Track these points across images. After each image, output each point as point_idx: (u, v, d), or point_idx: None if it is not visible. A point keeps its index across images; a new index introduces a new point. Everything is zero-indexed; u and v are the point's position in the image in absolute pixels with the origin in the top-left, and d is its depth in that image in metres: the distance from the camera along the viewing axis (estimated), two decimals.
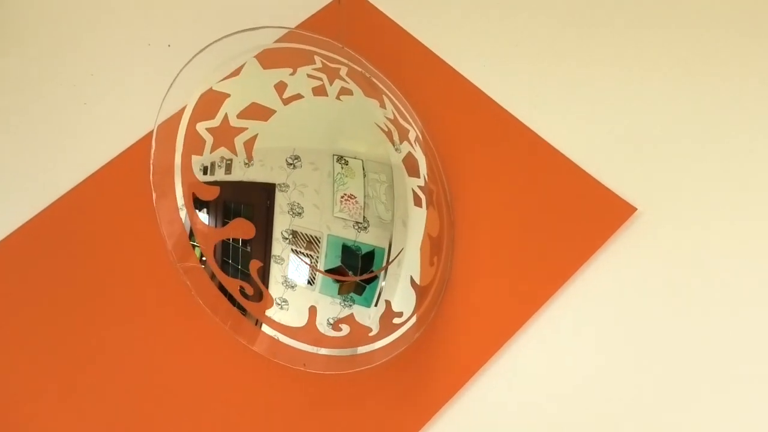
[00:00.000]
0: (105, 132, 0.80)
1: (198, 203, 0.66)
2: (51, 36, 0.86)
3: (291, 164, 0.67)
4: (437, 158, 0.77)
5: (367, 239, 0.68)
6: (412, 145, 0.75)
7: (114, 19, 0.87)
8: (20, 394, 0.69)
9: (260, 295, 0.66)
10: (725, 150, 0.78)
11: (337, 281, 0.67)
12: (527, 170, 0.78)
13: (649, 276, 0.73)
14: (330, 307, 0.67)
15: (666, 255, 0.73)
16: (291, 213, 0.66)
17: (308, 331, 0.67)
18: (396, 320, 0.68)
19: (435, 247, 0.72)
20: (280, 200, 0.66)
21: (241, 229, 0.66)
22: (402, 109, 0.77)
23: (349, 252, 0.67)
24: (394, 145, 0.73)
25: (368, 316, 0.68)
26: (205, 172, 0.66)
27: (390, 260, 0.69)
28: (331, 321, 0.66)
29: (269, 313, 0.66)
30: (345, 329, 0.67)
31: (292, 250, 0.66)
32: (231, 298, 0.66)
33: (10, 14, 0.88)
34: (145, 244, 0.73)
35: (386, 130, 0.74)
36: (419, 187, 0.73)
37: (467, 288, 0.73)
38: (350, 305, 0.67)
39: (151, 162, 0.67)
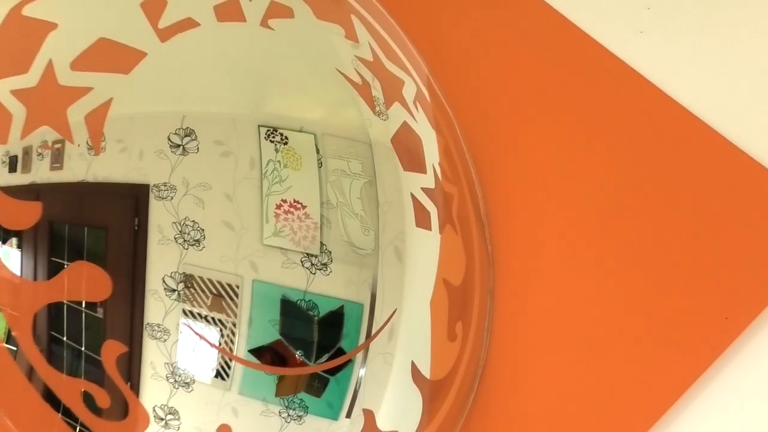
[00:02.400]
0: None
1: (2, 233, 0.49)
2: None
3: (179, 146, 0.49)
4: (459, 133, 0.59)
5: (330, 288, 0.49)
6: (409, 110, 0.56)
7: None
8: None
9: (123, 408, 0.48)
10: None
11: (273, 373, 0.49)
12: (636, 147, 0.59)
13: None
14: (261, 422, 0.49)
15: None
16: (180, 241, 0.48)
17: None
18: None
19: (458, 305, 0.54)
20: (159, 216, 0.48)
21: (87, 280, 0.48)
22: (389, 41, 0.60)
23: (294, 313, 0.49)
24: (374, 110, 0.55)
25: None
26: (12, 169, 0.48)
27: (377, 328, 0.51)
28: None
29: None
30: None
31: (184, 311, 0.48)
32: (66, 413, 0.48)
33: None
34: None
35: (358, 81, 0.55)
36: (425, 190, 0.55)
37: (525, 385, 0.55)
38: (300, 416, 0.49)
39: None
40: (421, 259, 0.54)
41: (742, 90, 0.64)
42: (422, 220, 0.54)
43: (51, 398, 0.48)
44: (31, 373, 0.48)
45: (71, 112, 0.49)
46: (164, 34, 0.52)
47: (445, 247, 0.55)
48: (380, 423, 0.50)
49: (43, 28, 0.51)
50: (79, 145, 0.49)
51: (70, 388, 0.48)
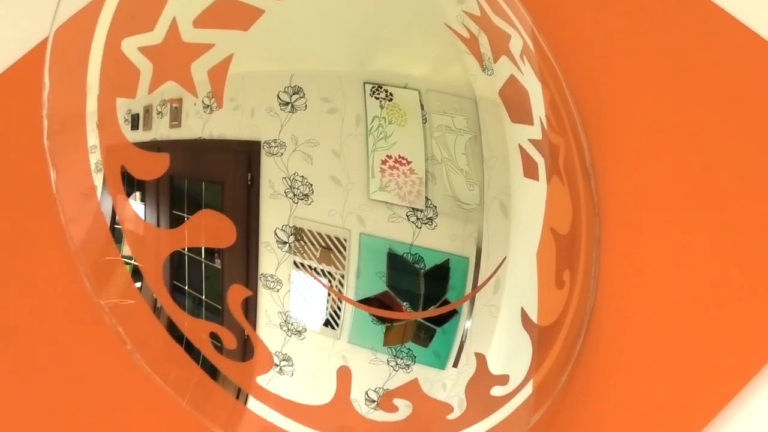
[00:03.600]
0: None
1: (131, 184, 0.50)
2: None
3: (287, 104, 0.50)
4: (564, 85, 0.61)
5: (435, 242, 0.50)
6: (516, 63, 0.57)
7: None
8: None
9: (247, 349, 0.50)
10: None
11: (382, 321, 0.50)
12: (744, 115, 0.59)
13: None
14: (370, 369, 0.50)
15: None
16: (291, 195, 0.49)
17: (334, 412, 0.51)
18: (497, 391, 0.52)
19: (565, 253, 0.56)
20: (270, 172, 0.49)
21: (213, 229, 0.49)
22: None
23: (401, 266, 0.50)
24: (482, 64, 0.55)
25: (444, 383, 0.52)
26: (134, 126, 0.49)
27: (483, 281, 0.52)
28: (375, 395, 0.51)
29: (263, 380, 0.50)
30: (404, 408, 0.51)
31: (295, 263, 0.49)
32: (192, 352, 0.50)
33: None
34: (37, 259, 0.60)
35: (466, 35, 0.56)
36: (532, 141, 0.56)
37: (631, 331, 0.55)
38: (408, 365, 0.50)
39: (45, 113, 0.50)
40: (529, 210, 0.55)
41: None
42: (530, 170, 0.55)
43: (179, 339, 0.50)
44: (159, 315, 0.50)
45: (195, 68, 0.51)
46: None
47: (553, 197, 0.55)
48: (492, 367, 0.52)
49: None
50: (195, 104, 0.50)
51: (198, 330, 0.50)
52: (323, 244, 0.50)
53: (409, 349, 0.51)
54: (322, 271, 0.49)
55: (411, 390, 0.51)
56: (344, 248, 0.50)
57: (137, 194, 0.50)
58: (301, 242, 0.49)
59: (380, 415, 0.51)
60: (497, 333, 0.53)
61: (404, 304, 0.51)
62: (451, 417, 0.52)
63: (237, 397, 0.51)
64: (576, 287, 0.56)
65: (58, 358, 0.59)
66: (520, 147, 0.55)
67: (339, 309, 0.50)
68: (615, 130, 0.60)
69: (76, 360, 0.59)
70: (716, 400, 0.55)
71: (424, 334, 0.51)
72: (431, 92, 0.53)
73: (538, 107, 0.57)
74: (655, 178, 0.59)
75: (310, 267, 0.49)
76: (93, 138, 0.51)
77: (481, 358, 0.52)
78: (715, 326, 0.56)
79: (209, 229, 0.50)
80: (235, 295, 0.49)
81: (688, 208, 0.58)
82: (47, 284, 0.60)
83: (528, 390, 0.53)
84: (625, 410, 0.55)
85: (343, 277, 0.50)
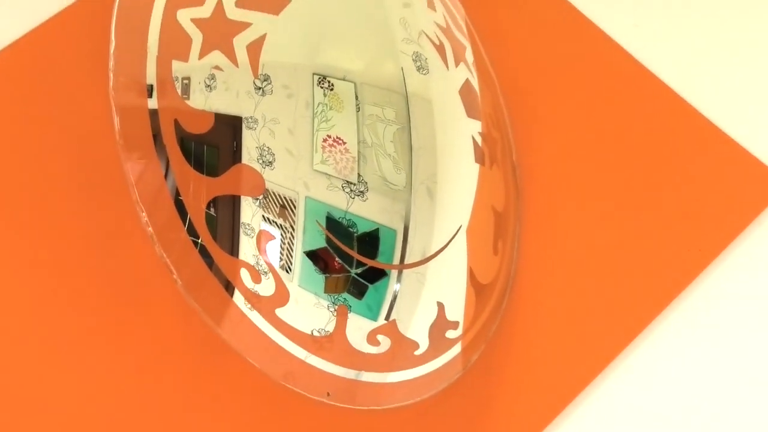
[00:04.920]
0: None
1: (182, 138, 0.58)
2: None
3: (259, 88, 0.58)
4: (500, 94, 0.68)
5: (367, 211, 0.57)
6: (470, 71, 0.65)
7: None
8: None
9: (269, 287, 0.57)
10: None
11: (322, 272, 0.57)
12: (638, 123, 0.71)
13: None
14: (313, 311, 0.57)
15: None
16: (261, 161, 0.57)
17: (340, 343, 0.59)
18: (450, 334, 0.60)
19: (500, 226, 0.64)
20: (248, 141, 0.57)
21: (246, 182, 0.57)
22: (456, 16, 0.68)
23: (338, 228, 0.57)
24: (447, 65, 0.63)
25: (415, 326, 0.59)
26: (184, 90, 0.57)
27: (409, 257, 0.59)
28: (318, 334, 0.58)
29: (282, 312, 0.57)
30: (384, 342, 0.58)
31: (263, 217, 0.57)
32: (225, 283, 0.58)
33: None
34: (100, 193, 0.65)
35: (437, 43, 0.63)
36: (479, 134, 0.63)
37: (544, 289, 0.65)
38: (344, 313, 0.58)
39: (111, 66, 0.57)
40: (472, 189, 0.62)
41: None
42: (479, 157, 0.62)
43: (215, 270, 0.57)
44: (197, 245, 0.57)
45: (236, 41, 0.58)
46: None
47: (494, 181, 0.64)
48: (448, 314, 0.59)
49: None
50: (207, 84, 0.57)
51: (233, 266, 0.57)
52: (280, 202, 0.57)
53: (345, 298, 0.58)
54: (280, 224, 0.57)
55: (391, 329, 0.58)
56: (295, 207, 0.57)
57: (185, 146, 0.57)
58: (267, 199, 0.57)
59: (366, 347, 0.58)
60: (453, 286, 0.61)
61: (338, 260, 0.58)
62: (417, 353, 0.59)
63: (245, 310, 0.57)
64: (506, 254, 0.64)
65: (114, 278, 0.64)
66: (473, 137, 0.62)
67: (291, 258, 0.58)
68: (535, 133, 0.69)
69: (126, 272, 0.64)
70: (616, 342, 0.64)
71: (357, 288, 0.58)
72: (365, 85, 0.60)
73: (484, 107, 0.65)
74: (563, 171, 0.68)
75: (272, 220, 0.57)
76: (153, 95, 0.58)
77: (440, 306, 0.59)
78: (608, 283, 0.66)
79: (249, 180, 0.57)
80: (261, 236, 0.57)
81: (587, 194, 0.68)
82: (109, 217, 0.64)
83: (471, 334, 0.61)
84: (541, 349, 0.63)
85: (293, 229, 0.57)
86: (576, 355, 0.64)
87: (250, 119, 0.57)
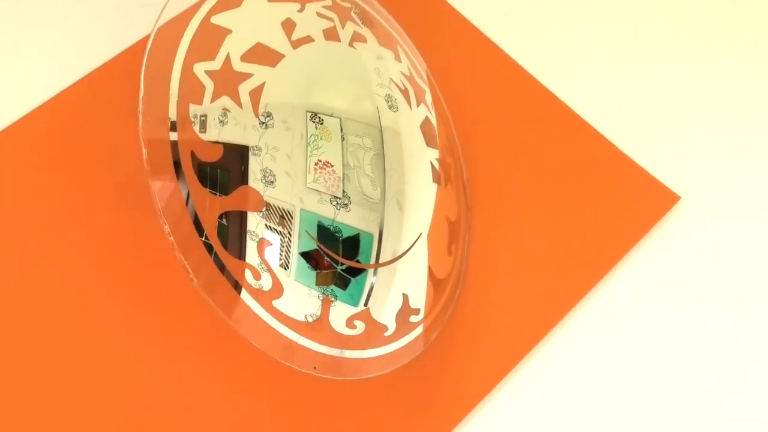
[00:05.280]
0: (50, 60, 0.79)
1: (196, 164, 0.65)
2: None
3: (263, 123, 0.66)
4: (453, 129, 0.77)
5: (349, 220, 0.66)
6: (429, 109, 0.74)
7: None
8: None
9: (267, 282, 0.65)
10: None
11: (314, 269, 0.65)
12: (555, 147, 0.79)
13: (693, 270, 0.75)
14: (306, 300, 0.65)
15: (713, 250, 0.76)
16: (264, 181, 0.65)
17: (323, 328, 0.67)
18: (413, 318, 0.68)
19: (453, 233, 0.72)
20: (253, 165, 0.65)
21: (250, 200, 0.64)
22: (418, 66, 0.76)
23: (326, 233, 0.66)
24: (395, 108, 0.72)
25: (386, 312, 0.67)
26: (201, 126, 0.66)
27: (383, 256, 0.68)
28: (311, 318, 0.65)
29: (278, 303, 0.65)
30: (360, 326, 0.66)
31: (266, 225, 0.65)
32: (232, 281, 0.65)
33: None
34: (131, 213, 0.73)
35: (402, 87, 0.72)
36: (437, 159, 0.72)
37: (488, 283, 0.73)
38: (332, 301, 0.66)
39: (140, 109, 0.64)
40: (431, 204, 0.71)
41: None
42: (436, 178, 0.71)
43: (224, 272, 0.64)
44: (211, 252, 0.64)
45: (240, 88, 0.66)
46: (295, 44, 0.69)
47: (448, 197, 0.72)
48: (411, 303, 0.68)
49: (223, 32, 0.68)
50: (220, 120, 0.65)
51: (238, 267, 0.64)
52: (280, 213, 0.65)
53: (332, 289, 0.66)
54: (280, 231, 0.65)
55: (365, 315, 0.66)
56: (291, 218, 0.65)
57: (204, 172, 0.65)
58: (269, 211, 0.65)
59: (345, 330, 0.66)
60: (415, 282, 0.69)
61: (326, 258, 0.66)
62: (386, 334, 0.67)
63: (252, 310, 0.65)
64: (458, 255, 0.72)
65: (141, 278, 0.71)
66: (431, 163, 0.71)
67: (288, 257, 0.65)
68: (481, 158, 0.77)
69: (149, 275, 0.72)
70: (542, 325, 0.72)
71: (342, 281, 0.66)
72: (348, 120, 0.69)
73: (440, 139, 0.74)
74: (502, 189, 0.76)
75: (273, 228, 0.65)
76: (174, 129, 0.65)
77: (405, 297, 0.68)
78: (534, 279, 0.74)
79: (250, 199, 0.64)
80: (261, 245, 0.65)
81: (520, 207, 0.76)
82: (139, 228, 0.72)
83: (430, 319, 0.69)
84: (485, 329, 0.71)
85: (290, 235, 0.65)
86: (511, 334, 0.71)
87: (255, 148, 0.65)
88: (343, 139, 0.68)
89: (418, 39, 0.79)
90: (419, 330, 0.68)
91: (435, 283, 0.70)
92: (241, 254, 0.65)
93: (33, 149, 0.76)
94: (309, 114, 0.67)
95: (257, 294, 0.65)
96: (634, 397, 0.71)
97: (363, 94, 0.71)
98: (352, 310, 0.66)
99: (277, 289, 0.65)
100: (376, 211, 0.67)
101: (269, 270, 0.65)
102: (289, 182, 0.65)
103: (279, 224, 0.65)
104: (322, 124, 0.67)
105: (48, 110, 0.77)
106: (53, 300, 0.71)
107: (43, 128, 0.76)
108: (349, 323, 0.66)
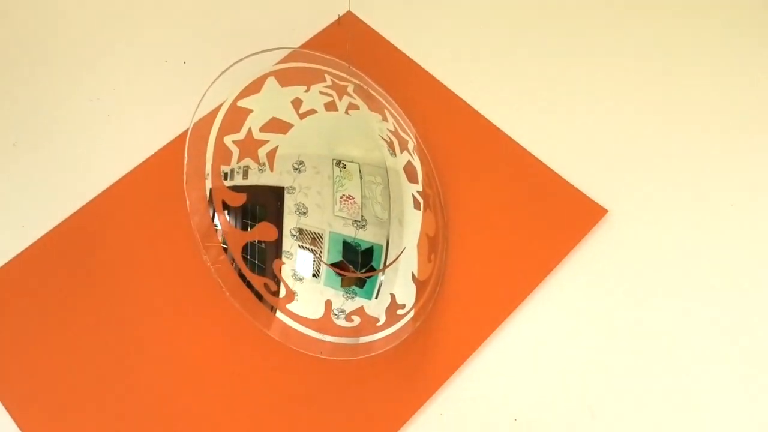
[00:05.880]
0: (128, 143, 0.89)
1: (226, 208, 0.76)
2: (74, 54, 0.96)
3: (297, 169, 0.76)
4: (432, 166, 0.87)
5: (366, 236, 0.77)
6: (411, 154, 0.84)
7: (132, 37, 0.98)
8: (57, 391, 0.79)
9: (279, 289, 0.75)
10: (694, 152, 0.89)
11: (339, 275, 0.76)
12: (509, 175, 0.88)
13: (620, 276, 0.83)
14: (335, 299, 0.76)
15: (636, 256, 0.84)
16: (297, 213, 0.75)
17: (324, 322, 0.76)
18: (400, 311, 0.78)
19: (432, 245, 0.82)
20: (288, 201, 0.76)
21: (267, 232, 0.75)
22: (401, 122, 0.86)
23: (349, 248, 0.76)
24: (394, 154, 0.82)
25: (372, 307, 0.78)
26: (225, 178, 0.76)
27: (389, 260, 0.78)
28: (338, 312, 0.76)
29: (290, 305, 0.76)
30: (356, 320, 0.76)
31: (299, 246, 0.75)
32: (252, 290, 0.75)
33: (37, 36, 0.98)
34: (174, 245, 0.84)
35: (388, 140, 0.83)
36: (418, 192, 0.82)
37: (460, 282, 0.83)
38: (352, 297, 0.76)
39: (185, 170, 0.76)
40: (415, 224, 0.80)
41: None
42: (417, 206, 0.81)
43: (249, 286, 0.75)
44: (240, 275, 0.75)
45: (260, 152, 0.77)
46: (302, 116, 0.80)
47: (428, 219, 0.82)
48: (398, 300, 0.78)
49: (246, 111, 0.79)
50: (255, 167, 0.76)
51: (258, 280, 0.75)
52: (312, 236, 0.75)
53: (353, 289, 0.76)
54: (312, 250, 0.75)
55: (360, 311, 0.76)
56: (322, 239, 0.75)
57: (225, 212, 0.75)
58: (302, 235, 0.75)
59: (343, 323, 0.76)
60: (401, 283, 0.78)
61: (350, 266, 0.76)
62: (378, 324, 0.77)
63: (271, 311, 0.76)
64: (437, 262, 0.82)
65: (179, 299, 0.81)
66: (412, 195, 0.81)
67: (319, 268, 0.75)
68: (453, 187, 0.87)
69: (193, 293, 0.81)
70: (501, 311, 0.81)
71: (361, 282, 0.76)
72: (364, 165, 0.79)
73: (420, 175, 0.83)
74: (472, 211, 0.86)
75: (306, 247, 0.75)
76: (207, 183, 0.76)
77: (393, 296, 0.78)
78: (497, 280, 0.82)
79: (267, 231, 0.75)
80: (277, 264, 0.75)
81: (485, 224, 0.85)
82: (186, 258, 0.82)
83: (413, 312, 0.79)
84: (457, 320, 0.80)
85: (321, 252, 0.76)
86: (478, 321, 0.80)
87: (289, 188, 0.75)
88: (361, 177, 0.78)
89: (403, 102, 0.90)
90: (407, 319, 0.78)
91: (418, 284, 0.80)
92: (258, 272, 0.74)
93: (135, 204, 0.86)
94: (334, 161, 0.78)
95: (274, 300, 0.75)
96: (569, 392, 0.79)
97: (372, 146, 0.81)
98: (350, 306, 0.76)
99: (289, 296, 0.75)
100: (384, 227, 0.78)
101: (282, 281, 0.75)
102: (319, 212, 0.76)
103: (312, 244, 0.75)
104: (344, 168, 0.78)
105: (135, 176, 0.88)
106: (153, 306, 0.81)
107: (133, 193, 0.87)
108: (348, 318, 0.76)
